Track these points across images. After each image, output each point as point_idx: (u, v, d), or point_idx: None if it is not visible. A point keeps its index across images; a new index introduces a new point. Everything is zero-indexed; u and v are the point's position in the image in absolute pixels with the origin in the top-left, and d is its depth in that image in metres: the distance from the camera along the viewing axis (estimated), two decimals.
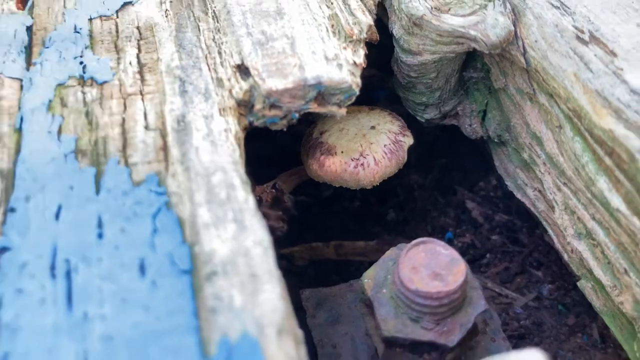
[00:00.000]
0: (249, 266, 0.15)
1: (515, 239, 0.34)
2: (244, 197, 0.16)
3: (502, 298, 0.33)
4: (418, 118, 0.27)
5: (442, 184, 0.37)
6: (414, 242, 0.21)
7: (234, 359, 0.13)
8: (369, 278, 0.21)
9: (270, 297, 0.14)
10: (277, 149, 0.31)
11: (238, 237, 0.16)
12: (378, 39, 0.24)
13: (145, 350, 0.14)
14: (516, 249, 0.34)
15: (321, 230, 0.31)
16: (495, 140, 0.27)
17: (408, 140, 0.25)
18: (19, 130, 0.19)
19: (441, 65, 0.23)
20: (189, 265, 0.15)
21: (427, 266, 0.20)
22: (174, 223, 0.16)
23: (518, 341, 0.30)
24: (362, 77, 0.23)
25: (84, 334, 0.14)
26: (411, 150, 0.26)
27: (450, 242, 0.33)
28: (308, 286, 0.25)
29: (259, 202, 0.26)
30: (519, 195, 0.28)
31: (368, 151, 0.24)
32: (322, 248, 0.27)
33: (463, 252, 0.33)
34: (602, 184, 0.21)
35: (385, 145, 0.25)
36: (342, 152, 0.24)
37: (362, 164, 0.23)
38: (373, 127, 0.25)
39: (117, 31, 0.22)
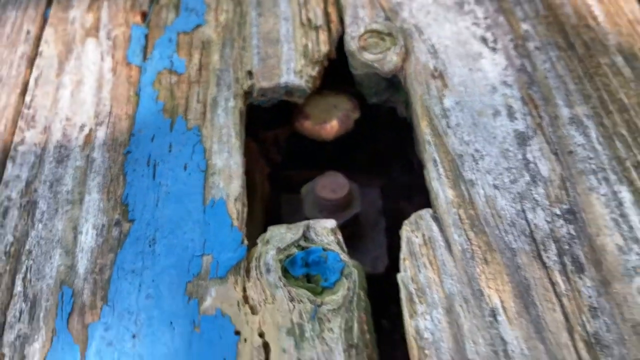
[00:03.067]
0: (229, 172, 0.33)
1: None
2: (234, 141, 0.34)
3: None
4: (367, 100, 0.44)
5: None
6: (327, 173, 0.39)
7: (215, 207, 0.32)
8: (304, 190, 0.39)
9: (236, 184, 0.33)
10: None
11: (228, 160, 0.34)
12: (334, 57, 0.41)
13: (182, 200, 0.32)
14: None
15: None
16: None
17: (355, 115, 0.43)
18: (137, 95, 0.38)
19: (372, 75, 0.40)
20: (204, 168, 0.33)
21: (330, 185, 0.38)
22: (202, 150, 0.34)
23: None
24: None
25: None
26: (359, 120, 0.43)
27: None
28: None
29: (264, 141, 0.45)
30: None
31: (328, 119, 0.42)
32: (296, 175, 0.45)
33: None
34: None
35: (339, 117, 0.42)
36: (313, 117, 0.42)
37: (323, 126, 0.41)
38: (335, 106, 0.43)
39: (191, 42, 0.40)
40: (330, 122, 0.41)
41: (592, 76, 0.36)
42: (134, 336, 0.27)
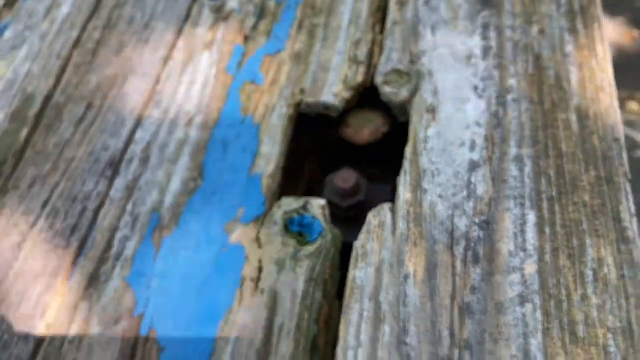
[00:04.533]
0: (269, 158, 0.49)
1: None
2: (280, 137, 0.50)
3: None
4: (397, 119, 0.57)
5: None
6: (343, 168, 0.53)
7: (253, 179, 0.48)
8: (327, 178, 0.54)
9: (272, 166, 0.49)
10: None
11: (272, 149, 0.50)
12: (369, 85, 0.55)
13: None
14: None
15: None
16: None
17: (384, 129, 0.57)
18: (227, 96, 0.55)
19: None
20: (255, 153, 0.50)
21: (343, 177, 0.53)
22: (257, 141, 0.50)
23: None
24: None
25: None
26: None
27: None
28: None
29: (316, 143, 0.60)
30: None
31: (362, 129, 0.57)
32: None
33: None
34: None
35: (370, 128, 0.57)
36: (352, 126, 0.57)
37: (357, 133, 0.56)
38: (370, 120, 0.58)
39: (271, 63, 0.57)
40: (363, 131, 0.56)
41: (547, 127, 0.47)
42: (187, 248, 0.45)
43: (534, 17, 0.54)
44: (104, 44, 0.60)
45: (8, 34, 0.64)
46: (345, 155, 0.59)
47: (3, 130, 0.54)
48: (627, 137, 1.60)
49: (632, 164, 1.61)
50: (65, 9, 0.64)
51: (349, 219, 0.51)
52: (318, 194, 0.56)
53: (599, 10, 0.54)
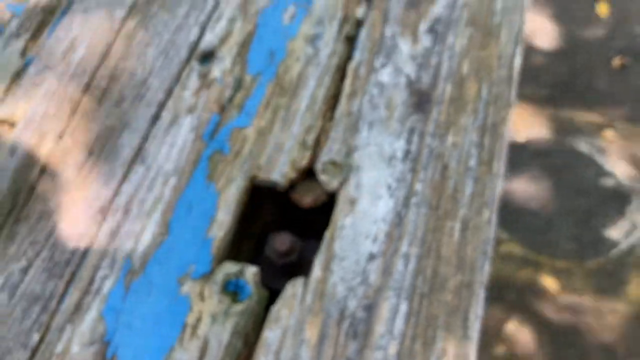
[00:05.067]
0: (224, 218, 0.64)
1: None
2: (233, 201, 0.64)
3: None
4: None
5: None
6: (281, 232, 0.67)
7: (207, 241, 0.62)
8: (269, 237, 0.68)
9: (225, 226, 0.63)
10: None
11: (227, 210, 0.64)
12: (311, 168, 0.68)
13: None
14: None
15: None
16: None
17: (323, 198, 0.71)
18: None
19: None
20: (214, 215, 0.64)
21: (280, 238, 0.67)
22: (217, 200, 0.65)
23: None
24: None
25: None
26: None
27: None
28: None
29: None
30: None
31: (305, 195, 0.70)
32: None
33: None
34: None
35: (311, 196, 0.71)
36: (298, 192, 0.70)
37: (300, 198, 0.70)
38: (312, 189, 0.71)
39: (237, 136, 0.70)
40: (306, 197, 0.70)
41: (435, 231, 0.61)
42: (148, 293, 0.60)
43: (452, 127, 0.67)
44: (108, 94, 0.74)
45: (32, 70, 0.77)
46: (292, 213, 0.73)
47: (22, 164, 0.69)
48: (594, 164, 1.72)
49: (597, 190, 1.73)
50: (79, 53, 0.77)
51: (285, 270, 0.66)
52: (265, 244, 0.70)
53: (506, 128, 0.66)
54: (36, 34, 0.81)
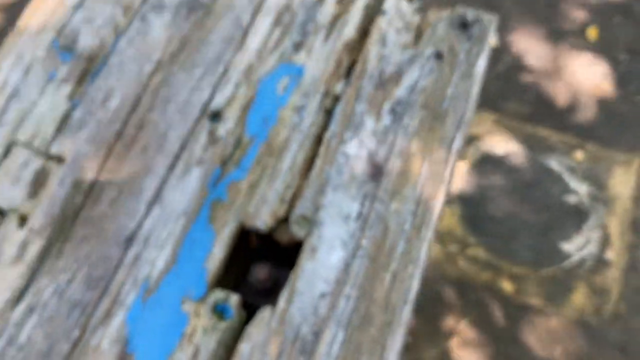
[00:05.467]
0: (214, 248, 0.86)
1: None
2: (225, 239, 0.86)
3: None
4: None
5: None
6: (261, 263, 0.89)
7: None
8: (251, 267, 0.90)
9: (217, 257, 0.85)
10: None
11: (220, 246, 0.86)
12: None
13: None
14: None
15: None
16: None
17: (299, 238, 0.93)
18: None
19: None
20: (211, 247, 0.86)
21: (260, 269, 0.89)
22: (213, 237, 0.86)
23: None
24: None
25: None
26: None
27: None
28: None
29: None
30: None
31: (284, 235, 0.92)
32: None
33: None
34: None
35: (289, 236, 0.92)
36: (278, 232, 0.92)
37: (283, 236, 0.92)
38: (289, 231, 0.93)
39: (238, 188, 0.91)
40: (284, 238, 0.92)
41: (373, 279, 0.83)
42: (160, 307, 0.83)
43: (396, 196, 0.87)
44: (136, 142, 0.95)
45: (77, 113, 0.99)
46: (274, 246, 0.95)
47: (68, 195, 0.90)
48: (561, 181, 1.92)
49: (561, 206, 1.94)
50: (114, 102, 0.98)
51: (263, 292, 0.88)
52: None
53: (438, 201, 0.87)
54: (81, 80, 1.01)
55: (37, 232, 0.87)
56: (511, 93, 2.10)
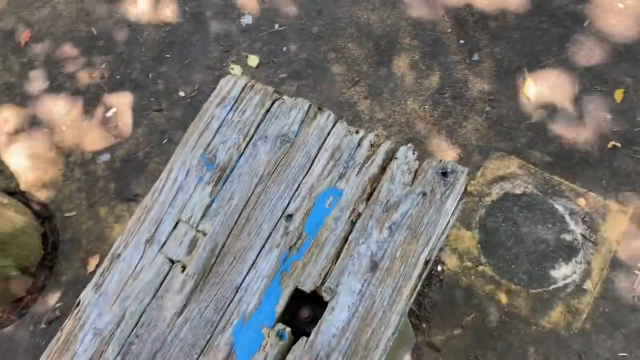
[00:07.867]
0: None
1: None
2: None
3: None
4: None
5: None
6: (305, 306, 1.61)
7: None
8: (301, 308, 1.64)
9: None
10: None
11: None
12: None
13: None
14: None
15: None
16: None
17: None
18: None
19: None
20: None
21: (304, 310, 1.62)
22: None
23: None
24: None
25: None
26: None
27: None
28: None
29: None
30: None
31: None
32: None
33: None
34: None
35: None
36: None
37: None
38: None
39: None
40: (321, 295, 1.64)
41: (360, 336, 1.54)
42: (258, 329, 1.60)
43: (382, 284, 1.56)
44: (244, 229, 1.69)
45: (213, 205, 1.74)
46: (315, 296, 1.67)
47: (208, 256, 1.67)
48: (563, 221, 2.47)
49: (558, 241, 2.54)
50: (234, 201, 1.72)
51: (306, 322, 1.62)
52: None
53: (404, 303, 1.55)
54: (216, 184, 1.75)
55: (190, 276, 1.65)
56: (539, 141, 2.62)
